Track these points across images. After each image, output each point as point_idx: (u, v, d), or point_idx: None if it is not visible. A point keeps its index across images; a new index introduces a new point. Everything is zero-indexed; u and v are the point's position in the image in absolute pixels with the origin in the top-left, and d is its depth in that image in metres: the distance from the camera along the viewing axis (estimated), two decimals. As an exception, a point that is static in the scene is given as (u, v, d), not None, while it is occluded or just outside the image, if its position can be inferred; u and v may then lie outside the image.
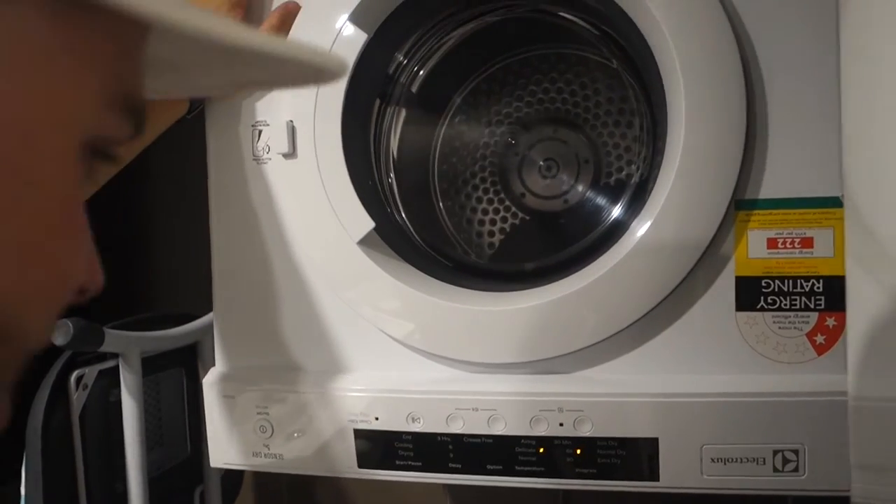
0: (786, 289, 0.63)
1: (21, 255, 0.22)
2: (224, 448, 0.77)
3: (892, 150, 0.49)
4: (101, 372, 0.92)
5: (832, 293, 0.62)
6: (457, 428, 0.68)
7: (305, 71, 0.27)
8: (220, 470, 1.10)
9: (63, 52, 0.22)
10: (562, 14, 0.83)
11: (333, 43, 0.71)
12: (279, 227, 0.76)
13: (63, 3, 0.21)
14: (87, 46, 0.22)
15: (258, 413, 0.73)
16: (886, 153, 0.50)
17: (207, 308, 0.99)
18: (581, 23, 0.82)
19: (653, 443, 0.64)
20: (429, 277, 0.72)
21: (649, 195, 0.66)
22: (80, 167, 0.24)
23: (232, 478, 1.16)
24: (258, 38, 0.23)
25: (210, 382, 0.77)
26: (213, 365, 0.80)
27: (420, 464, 0.69)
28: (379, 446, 0.70)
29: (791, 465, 0.61)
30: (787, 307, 0.63)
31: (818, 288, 0.62)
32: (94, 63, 0.23)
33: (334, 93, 0.71)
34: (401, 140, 0.89)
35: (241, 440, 0.75)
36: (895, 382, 0.50)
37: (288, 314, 0.76)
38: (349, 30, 0.71)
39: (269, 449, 0.74)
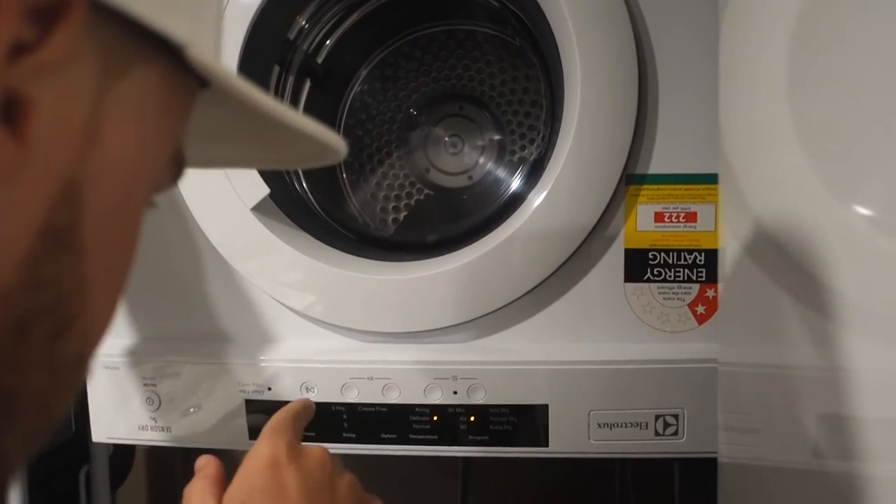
0: (670, 261, 0.65)
1: (110, 286, 0.24)
2: (108, 422, 0.73)
3: (762, 131, 0.52)
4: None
5: (712, 266, 0.65)
6: (351, 397, 0.67)
7: (318, 151, 0.30)
8: (107, 449, 1.05)
9: (166, 113, 0.24)
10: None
11: (227, 2, 0.68)
12: (171, 195, 0.73)
13: (171, 67, 0.23)
14: (177, 107, 0.25)
15: (145, 385, 0.71)
16: (757, 134, 0.53)
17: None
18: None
19: (543, 409, 0.65)
20: (328, 247, 0.71)
21: (544, 170, 0.67)
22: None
23: (121, 457, 1.11)
24: (296, 115, 0.26)
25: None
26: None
27: (314, 434, 0.68)
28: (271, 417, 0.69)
29: (671, 429, 0.64)
30: (672, 279, 0.65)
31: (700, 261, 0.65)
32: (178, 122, 0.25)
33: (228, 53, 0.68)
34: (304, 110, 0.87)
35: (126, 413, 0.72)
36: (758, 350, 0.53)
37: (178, 283, 0.73)
38: (246, -11, 0.68)
39: (156, 422, 0.71)
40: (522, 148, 0.91)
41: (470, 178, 0.94)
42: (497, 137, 0.93)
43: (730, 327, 0.55)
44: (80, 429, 1.03)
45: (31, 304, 0.20)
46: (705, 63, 0.64)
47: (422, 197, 0.95)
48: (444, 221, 0.95)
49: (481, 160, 0.93)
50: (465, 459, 1.11)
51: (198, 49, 0.22)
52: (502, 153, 0.92)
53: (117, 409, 0.72)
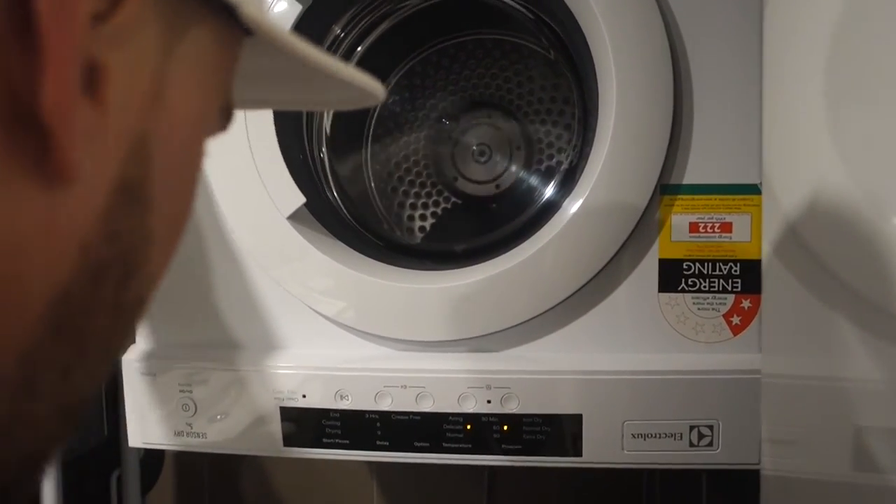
0: (705, 271, 0.65)
1: (171, 237, 0.26)
2: (143, 428, 0.74)
3: (805, 142, 0.52)
4: (10, 350, 0.87)
5: (748, 276, 0.65)
6: (385, 405, 0.68)
7: (355, 95, 0.31)
8: (138, 453, 1.06)
9: (219, 67, 0.26)
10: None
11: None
12: (207, 201, 0.74)
13: (221, 24, 0.24)
14: (227, 60, 0.26)
15: (181, 391, 0.71)
16: (800, 145, 0.53)
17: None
18: (519, 7, 0.82)
19: (577, 419, 0.65)
20: (360, 255, 0.72)
21: (578, 180, 0.67)
22: None
23: (151, 461, 1.12)
24: (334, 63, 0.28)
25: (130, 359, 0.74)
26: (132, 343, 0.77)
27: (347, 442, 0.68)
28: (306, 424, 0.69)
29: (706, 440, 0.64)
30: (706, 289, 0.65)
31: (735, 271, 0.65)
32: (229, 74, 0.27)
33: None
34: (334, 117, 0.87)
35: (162, 419, 0.73)
36: (804, 362, 0.53)
37: (213, 290, 0.74)
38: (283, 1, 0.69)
39: (191, 428, 0.72)
40: (550, 157, 0.92)
41: (497, 186, 0.94)
42: (525, 146, 0.93)
43: (773, 339, 0.55)
44: (113, 433, 1.05)
45: (106, 255, 0.21)
46: (741, 73, 0.64)
47: (449, 206, 0.96)
48: (472, 230, 0.96)
49: (509, 169, 0.94)
50: (491, 469, 1.11)
51: (247, 5, 0.23)
52: (530, 162, 0.92)
53: (153, 415, 0.73)
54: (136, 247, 0.23)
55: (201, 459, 1.23)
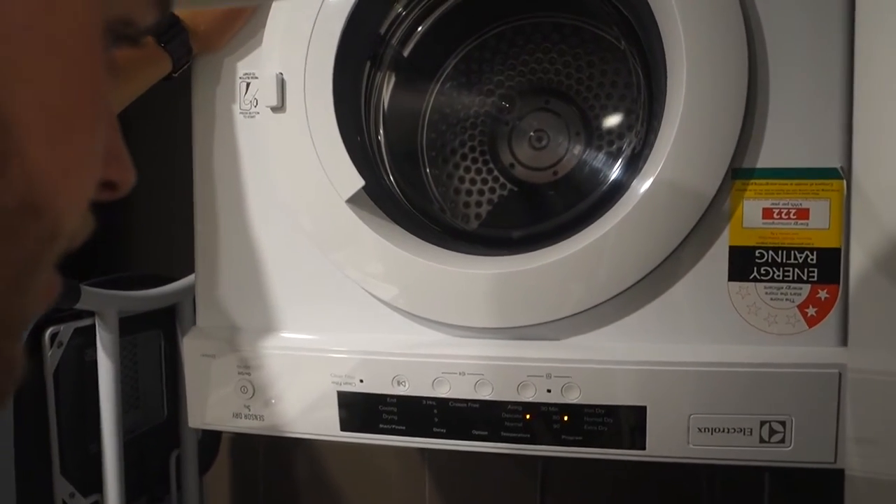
0: (779, 260, 0.62)
1: (48, 121, 0.21)
2: (203, 409, 0.75)
3: (890, 131, 0.49)
4: (76, 330, 0.89)
5: (825, 265, 0.61)
6: (443, 392, 0.67)
7: None
8: (196, 435, 1.08)
9: None
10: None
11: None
12: (265, 185, 0.74)
13: None
14: None
15: (240, 373, 0.72)
16: (884, 135, 0.49)
17: (185, 271, 0.97)
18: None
19: (640, 411, 0.63)
20: (417, 239, 0.71)
21: (642, 166, 0.65)
22: (103, 46, 0.23)
23: (208, 443, 1.15)
24: None
25: (190, 341, 0.75)
26: (192, 328, 0.78)
27: (404, 428, 0.68)
28: (363, 409, 0.69)
29: (777, 437, 0.61)
30: (780, 278, 0.62)
31: (812, 260, 0.62)
32: None
33: (326, 46, 0.69)
34: (391, 102, 0.87)
35: (221, 401, 0.73)
36: (892, 356, 0.50)
37: (272, 274, 0.74)
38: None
39: (249, 410, 0.72)
40: (610, 143, 0.89)
41: (555, 173, 0.92)
42: (584, 132, 0.90)
43: (859, 332, 0.52)
44: (172, 414, 1.07)
45: None
46: (819, 51, 0.60)
47: (505, 192, 0.94)
48: (528, 217, 0.94)
49: (567, 156, 0.91)
50: (545, 461, 1.09)
51: None
52: (589, 149, 0.90)
53: (212, 397, 0.74)
54: None
55: (257, 441, 1.25)
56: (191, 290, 0.95)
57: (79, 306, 0.83)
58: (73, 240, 0.24)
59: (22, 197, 0.21)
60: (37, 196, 0.21)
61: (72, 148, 0.22)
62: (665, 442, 0.63)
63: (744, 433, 0.61)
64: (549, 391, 0.64)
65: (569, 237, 0.67)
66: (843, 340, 0.61)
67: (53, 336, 0.87)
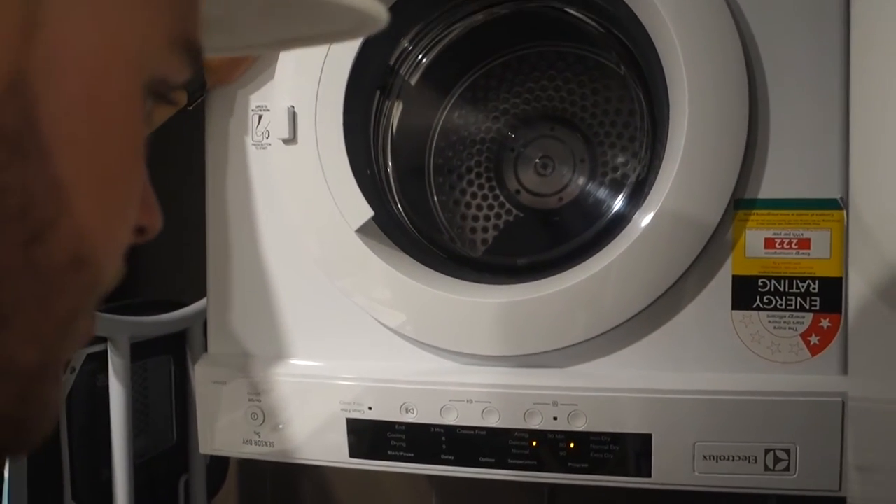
0: (782, 289, 0.63)
1: (95, 180, 0.22)
2: (213, 435, 0.76)
3: (888, 160, 0.50)
4: (88, 356, 0.91)
5: (827, 294, 0.62)
6: (451, 419, 0.67)
7: (348, 22, 0.29)
8: (205, 459, 1.09)
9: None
10: (569, 11, 0.83)
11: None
12: (276, 214, 0.75)
13: None
14: None
15: (250, 400, 0.73)
16: (888, 157, 0.50)
17: (196, 296, 0.98)
18: (587, 20, 0.82)
19: (646, 439, 0.64)
20: (424, 267, 0.72)
21: (647, 195, 0.66)
22: (144, 106, 0.24)
23: (216, 468, 1.15)
24: None
25: (202, 368, 0.76)
26: (202, 353, 0.79)
27: (412, 455, 0.68)
28: (371, 436, 0.70)
29: (782, 465, 0.62)
30: (783, 307, 0.63)
31: (814, 289, 0.62)
32: (167, 8, 0.24)
33: (336, 79, 0.71)
34: (398, 132, 0.88)
35: (231, 427, 0.74)
36: (892, 385, 0.50)
37: (282, 302, 0.76)
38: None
39: (259, 436, 0.73)
40: (615, 170, 0.90)
41: (560, 199, 0.93)
42: (588, 158, 0.92)
43: (860, 361, 0.52)
44: (181, 438, 1.07)
45: None
46: (819, 83, 0.62)
47: (511, 218, 0.95)
48: (534, 243, 0.95)
49: (572, 182, 0.93)
50: (551, 488, 1.09)
51: None
52: (594, 175, 0.91)
53: (222, 423, 0.75)
54: (37, 201, 0.21)
55: (264, 466, 1.25)
56: (201, 314, 0.97)
57: (91, 332, 0.84)
58: (109, 285, 0.25)
59: (71, 253, 0.22)
60: (84, 250, 0.22)
61: (115, 203, 0.24)
62: (670, 469, 0.64)
63: (749, 461, 0.62)
64: (555, 419, 0.65)
65: (574, 266, 0.68)
66: (846, 369, 0.62)
67: (66, 362, 0.88)
